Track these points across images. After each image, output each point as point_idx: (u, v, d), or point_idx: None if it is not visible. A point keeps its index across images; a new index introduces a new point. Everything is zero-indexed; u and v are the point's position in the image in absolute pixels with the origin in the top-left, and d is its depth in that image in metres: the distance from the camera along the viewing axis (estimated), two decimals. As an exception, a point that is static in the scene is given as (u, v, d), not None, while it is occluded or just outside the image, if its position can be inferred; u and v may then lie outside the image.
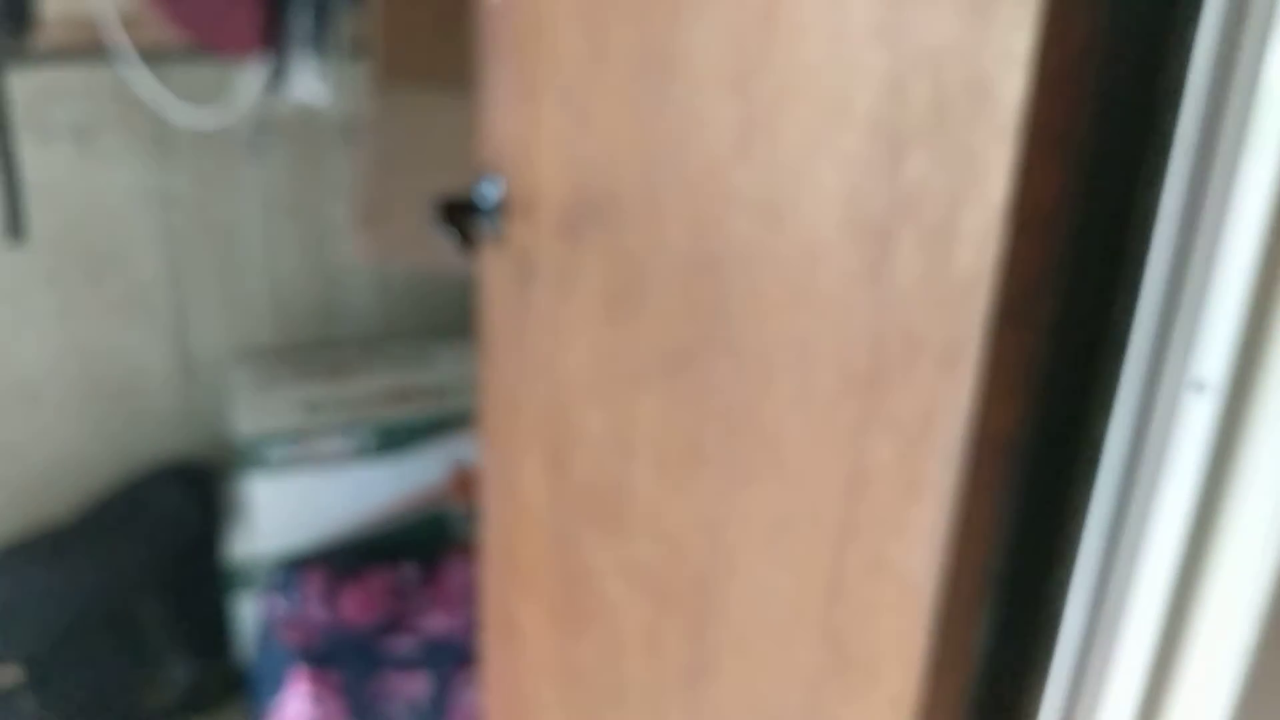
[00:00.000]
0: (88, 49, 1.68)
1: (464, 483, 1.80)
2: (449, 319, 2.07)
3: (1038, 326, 0.44)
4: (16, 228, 1.43)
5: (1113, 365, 0.42)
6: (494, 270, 1.01)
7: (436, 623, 1.62)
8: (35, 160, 1.69)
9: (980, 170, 0.42)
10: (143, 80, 1.61)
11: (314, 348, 1.98)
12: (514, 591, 1.07)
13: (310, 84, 1.48)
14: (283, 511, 1.70)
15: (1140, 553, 0.41)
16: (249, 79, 1.67)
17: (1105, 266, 0.43)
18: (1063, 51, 0.39)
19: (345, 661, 1.56)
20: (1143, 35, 0.40)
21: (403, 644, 1.60)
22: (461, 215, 0.98)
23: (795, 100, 0.54)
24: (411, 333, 2.06)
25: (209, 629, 1.80)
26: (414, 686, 1.59)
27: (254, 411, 1.72)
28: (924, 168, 0.45)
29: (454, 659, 1.60)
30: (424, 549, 1.78)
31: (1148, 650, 0.40)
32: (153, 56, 1.70)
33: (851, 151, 0.50)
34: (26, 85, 1.67)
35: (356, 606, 1.62)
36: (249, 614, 1.74)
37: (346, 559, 1.72)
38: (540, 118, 0.85)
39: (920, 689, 0.49)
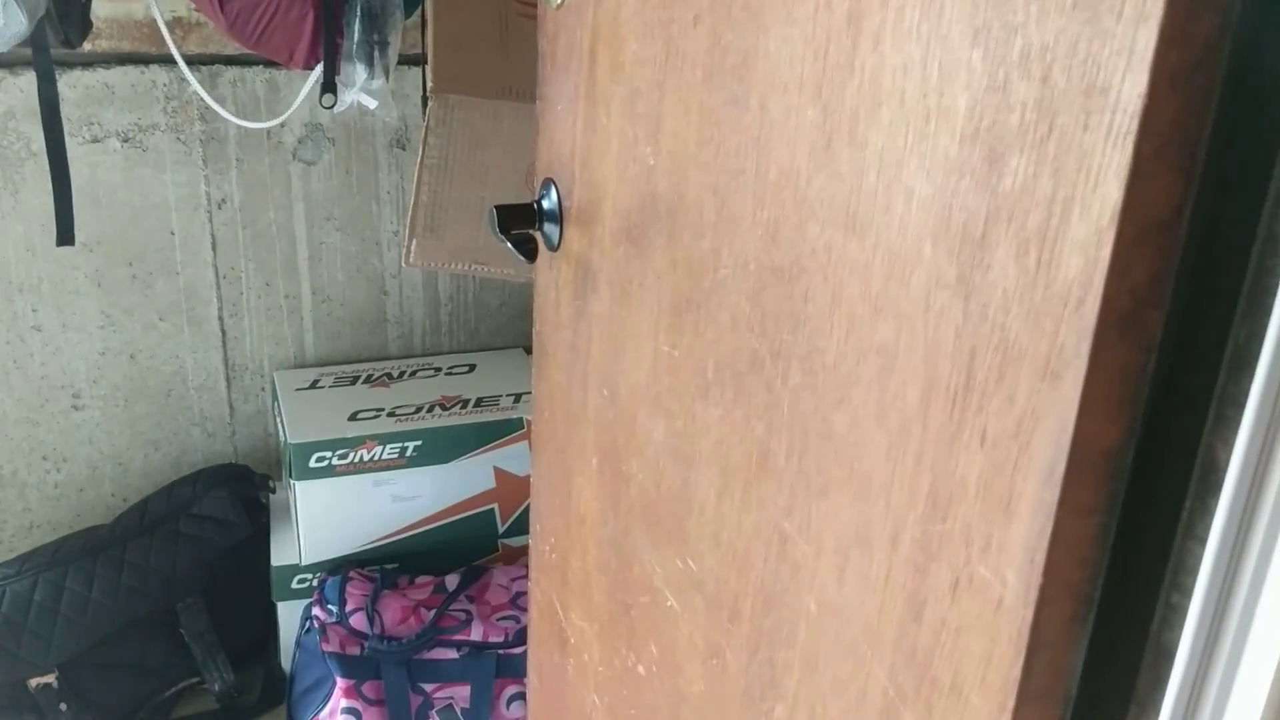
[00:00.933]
0: (138, 53, 1.69)
1: (508, 493, 1.78)
2: (496, 328, 2.07)
3: (1147, 338, 0.42)
4: (65, 232, 1.43)
5: (1232, 380, 0.40)
6: (550, 278, 1.00)
7: (478, 633, 1.61)
8: (84, 164, 1.70)
9: (1091, 175, 0.40)
10: (192, 85, 1.61)
11: (359, 355, 1.98)
12: (565, 602, 1.05)
13: (360, 93, 1.47)
14: (326, 519, 1.69)
15: (1265, 583, 0.38)
16: (299, 86, 1.67)
17: (1221, 276, 0.41)
18: (1186, 48, 0.37)
19: (386, 671, 1.55)
20: (1273, 32, 0.38)
21: (444, 654, 1.59)
22: (518, 223, 0.97)
23: (882, 104, 0.52)
24: (457, 341, 2.05)
25: (250, 636, 1.79)
26: (455, 698, 1.58)
27: (298, 419, 1.72)
28: (1027, 173, 0.43)
29: (495, 670, 1.58)
30: (467, 558, 1.77)
31: (1269, 686, 0.38)
32: (202, 62, 1.71)
33: (945, 156, 0.48)
34: (77, 89, 1.68)
35: (398, 616, 1.61)
36: (291, 622, 1.74)
37: (389, 568, 1.71)
38: (603, 123, 0.84)
39: (1013, 718, 0.47)
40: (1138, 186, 0.39)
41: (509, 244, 0.95)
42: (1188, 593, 0.43)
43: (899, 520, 0.54)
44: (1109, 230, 0.40)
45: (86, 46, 1.54)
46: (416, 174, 1.40)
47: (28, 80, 1.62)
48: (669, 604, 0.82)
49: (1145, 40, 0.37)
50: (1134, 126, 0.38)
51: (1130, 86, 0.38)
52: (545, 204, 0.96)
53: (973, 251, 0.47)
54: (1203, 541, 0.42)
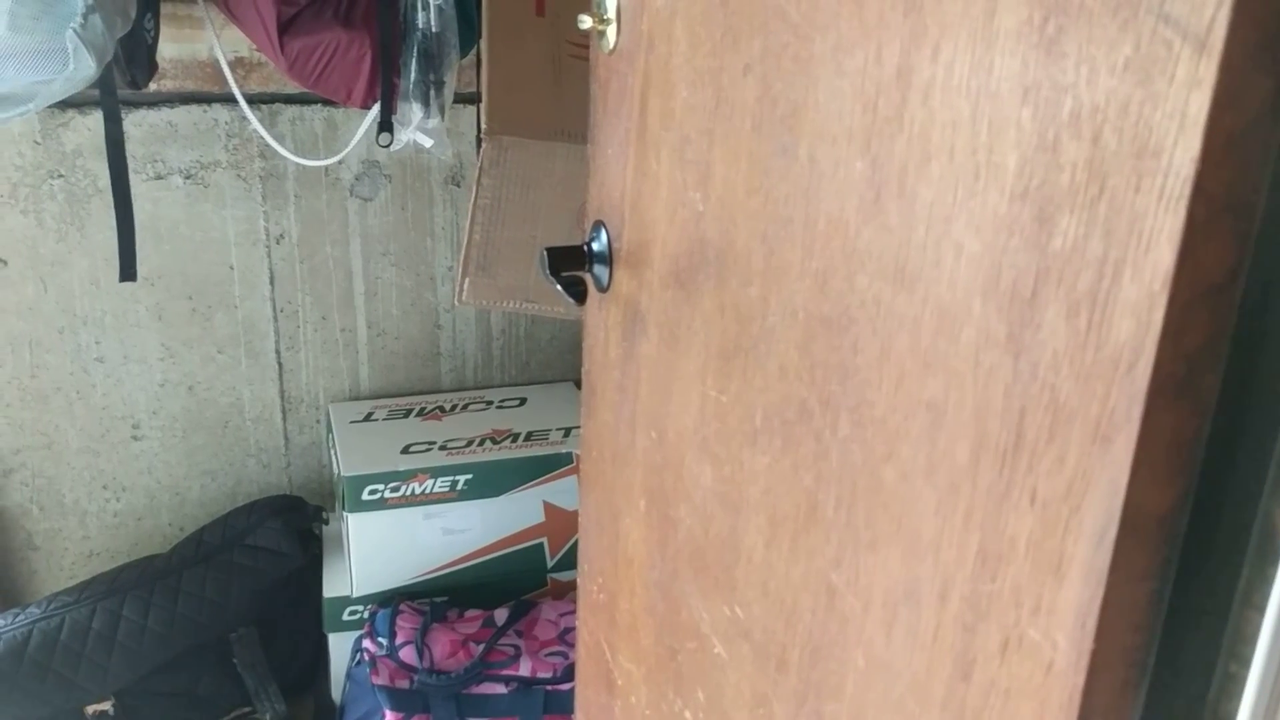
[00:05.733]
0: (201, 93, 1.73)
1: (558, 527, 1.79)
2: (546, 361, 2.08)
3: (1202, 403, 0.41)
4: (127, 268, 1.46)
5: (1289, 448, 0.40)
6: (599, 319, 1.00)
7: (526, 669, 1.61)
8: (148, 200, 1.74)
9: (1143, 238, 0.40)
10: (253, 124, 1.65)
11: (413, 388, 2.00)
12: (612, 643, 1.05)
13: (416, 132, 1.50)
14: (377, 552, 1.71)
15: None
16: (357, 124, 1.70)
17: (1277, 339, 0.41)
18: (1241, 112, 0.37)
19: (435, 705, 1.56)
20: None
21: (492, 689, 1.59)
22: (568, 264, 0.97)
23: (931, 159, 0.52)
24: (508, 375, 2.07)
25: (301, 667, 1.81)
26: (503, 733, 1.57)
27: (352, 452, 1.73)
28: (1078, 233, 0.43)
29: (544, 706, 1.58)
30: (516, 592, 1.78)
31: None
32: (263, 100, 1.74)
33: (995, 214, 0.48)
34: (142, 127, 1.72)
35: (447, 650, 1.61)
36: (342, 653, 1.75)
37: (439, 601, 1.72)
38: (653, 168, 0.84)
39: (1064, 784, 0.46)
40: (1191, 251, 0.39)
41: (559, 286, 0.96)
42: (1246, 662, 0.42)
43: (948, 577, 0.54)
44: (1161, 295, 0.39)
45: (152, 87, 1.58)
46: (470, 214, 1.42)
47: (95, 120, 1.66)
48: (716, 651, 0.81)
49: (1198, 105, 0.37)
50: (1187, 190, 0.38)
51: (1183, 150, 0.38)
52: (595, 246, 0.97)
53: (1022, 310, 0.47)
54: (1261, 610, 0.41)
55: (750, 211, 0.70)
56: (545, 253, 0.96)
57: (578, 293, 0.98)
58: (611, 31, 0.90)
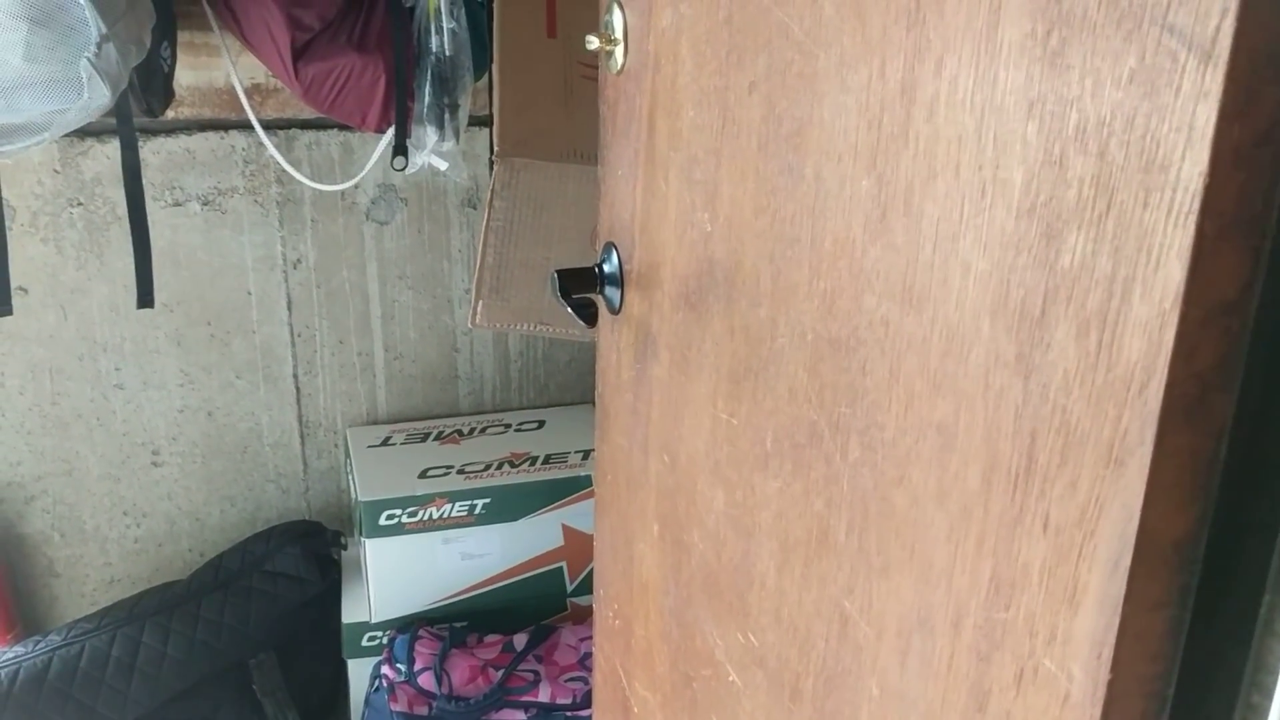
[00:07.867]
0: (218, 120, 1.74)
1: (577, 550, 1.77)
2: (565, 384, 2.07)
3: (1217, 424, 0.40)
4: (145, 295, 1.47)
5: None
6: (611, 341, 0.99)
7: (546, 694, 1.59)
8: (166, 226, 1.75)
9: (1152, 254, 0.39)
10: (269, 150, 1.65)
11: (431, 411, 2.00)
12: (628, 670, 1.03)
13: (431, 155, 1.50)
14: (396, 577, 1.70)
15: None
16: (372, 149, 1.70)
17: (1295, 359, 0.39)
18: (1250, 123, 0.36)
19: (454, 732, 1.55)
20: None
21: (512, 715, 1.57)
22: (579, 286, 0.97)
23: (937, 176, 0.51)
24: (526, 397, 2.06)
25: (321, 693, 1.80)
26: (522, 760, 1.56)
27: (370, 477, 1.73)
28: (1086, 250, 0.42)
29: (563, 733, 1.57)
30: (535, 617, 1.76)
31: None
32: (279, 126, 1.75)
33: (1002, 232, 0.46)
34: (160, 155, 1.73)
35: (466, 675, 1.60)
36: (361, 679, 1.74)
37: (458, 626, 1.71)
38: (662, 189, 0.83)
39: (1082, 820, 0.45)
40: (1201, 267, 0.37)
41: (569, 308, 0.95)
42: (1269, 693, 0.40)
43: (961, 605, 0.52)
44: (1172, 313, 0.38)
45: (170, 114, 1.59)
46: (482, 236, 1.41)
47: (114, 148, 1.67)
48: (730, 679, 0.80)
49: (1205, 116, 0.36)
50: (1195, 205, 0.37)
51: (1191, 164, 0.36)
52: (606, 268, 0.96)
53: (1031, 330, 0.45)
54: (1283, 640, 0.39)
55: (758, 231, 0.69)
56: (556, 275, 0.95)
57: (589, 315, 0.97)
58: (619, 52, 0.89)
